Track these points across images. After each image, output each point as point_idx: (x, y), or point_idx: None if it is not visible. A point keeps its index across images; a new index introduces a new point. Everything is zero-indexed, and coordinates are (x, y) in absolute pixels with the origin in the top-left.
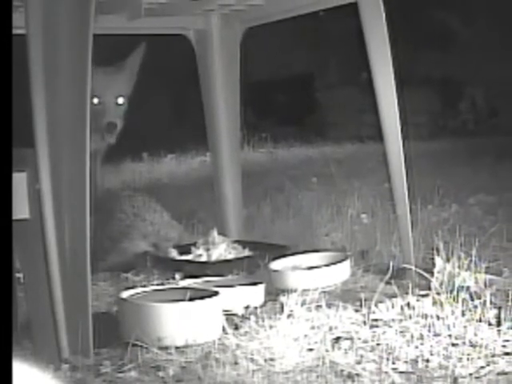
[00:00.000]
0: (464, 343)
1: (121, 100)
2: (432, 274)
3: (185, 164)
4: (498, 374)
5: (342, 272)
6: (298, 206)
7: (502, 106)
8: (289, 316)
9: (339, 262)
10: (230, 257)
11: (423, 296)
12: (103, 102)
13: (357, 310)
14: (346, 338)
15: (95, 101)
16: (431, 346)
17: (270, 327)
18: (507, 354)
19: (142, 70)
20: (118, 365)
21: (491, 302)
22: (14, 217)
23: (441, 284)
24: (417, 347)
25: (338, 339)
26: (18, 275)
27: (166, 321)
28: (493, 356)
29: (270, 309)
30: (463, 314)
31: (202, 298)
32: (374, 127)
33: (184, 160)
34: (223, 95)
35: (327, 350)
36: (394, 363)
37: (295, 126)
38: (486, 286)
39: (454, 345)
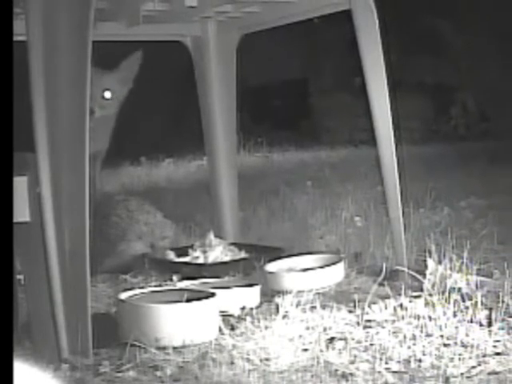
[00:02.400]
0: (456, 343)
1: (108, 94)
2: (424, 275)
3: (182, 168)
4: (489, 373)
5: (336, 274)
6: (292, 209)
7: (493, 111)
8: (284, 317)
9: (333, 263)
10: (226, 259)
11: (416, 297)
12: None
13: (350, 311)
14: (340, 339)
15: None
16: (423, 346)
17: (266, 328)
18: (498, 354)
19: (139, 75)
20: (116, 365)
21: (482, 303)
22: (15, 220)
23: (433, 285)
24: (409, 347)
25: (332, 339)
26: (18, 277)
27: (164, 321)
28: (484, 356)
29: (266, 310)
30: (455, 315)
31: (198, 299)
32: (367, 131)
33: (181, 164)
34: (220, 100)
35: (321, 350)
36: (387, 363)
37: (290, 131)
38: (477, 287)
39: (445, 345)
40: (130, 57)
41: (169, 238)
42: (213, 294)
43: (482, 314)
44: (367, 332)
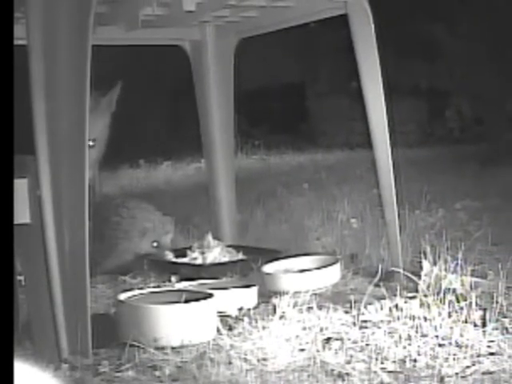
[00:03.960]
0: (450, 344)
1: (91, 142)
2: (419, 276)
3: (180, 170)
4: (483, 373)
5: (333, 275)
6: (289, 211)
7: (487, 114)
8: (281, 317)
9: (330, 265)
10: (224, 260)
11: (411, 298)
12: None
13: (347, 312)
14: (337, 339)
15: None
16: (419, 346)
17: (263, 328)
18: (492, 354)
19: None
20: (115, 364)
21: (477, 304)
22: (16, 221)
23: (428, 286)
24: (405, 347)
25: (328, 340)
26: (19, 278)
27: (163, 322)
28: (478, 356)
29: (263, 310)
30: (449, 316)
31: (197, 299)
32: (363, 135)
33: (180, 167)
34: (217, 104)
35: (318, 350)
36: (382, 363)
37: (287, 134)
38: (471, 288)
39: (440, 345)
40: (109, 91)
41: (170, 233)
42: (211, 295)
43: (476, 315)
44: (363, 332)
